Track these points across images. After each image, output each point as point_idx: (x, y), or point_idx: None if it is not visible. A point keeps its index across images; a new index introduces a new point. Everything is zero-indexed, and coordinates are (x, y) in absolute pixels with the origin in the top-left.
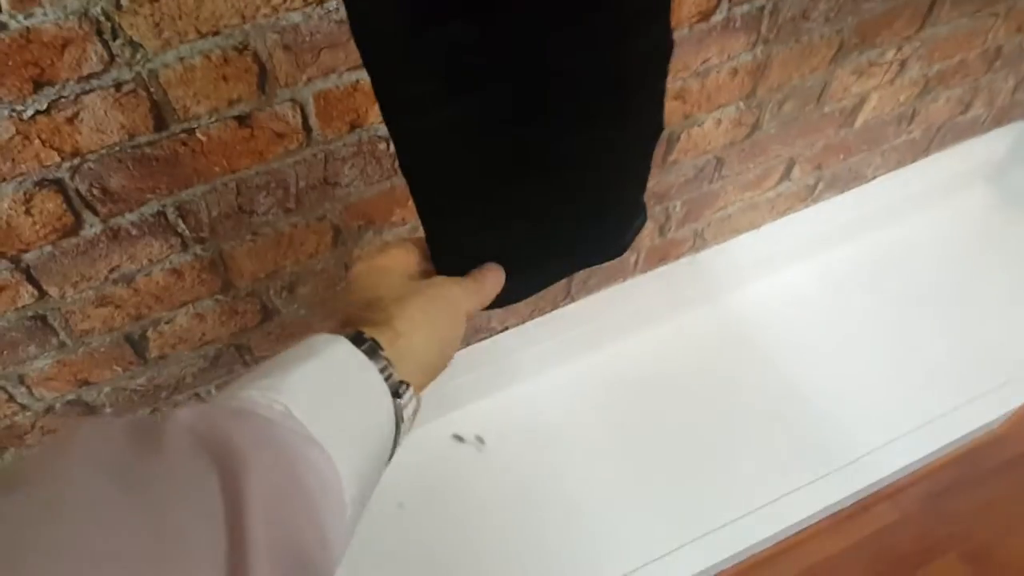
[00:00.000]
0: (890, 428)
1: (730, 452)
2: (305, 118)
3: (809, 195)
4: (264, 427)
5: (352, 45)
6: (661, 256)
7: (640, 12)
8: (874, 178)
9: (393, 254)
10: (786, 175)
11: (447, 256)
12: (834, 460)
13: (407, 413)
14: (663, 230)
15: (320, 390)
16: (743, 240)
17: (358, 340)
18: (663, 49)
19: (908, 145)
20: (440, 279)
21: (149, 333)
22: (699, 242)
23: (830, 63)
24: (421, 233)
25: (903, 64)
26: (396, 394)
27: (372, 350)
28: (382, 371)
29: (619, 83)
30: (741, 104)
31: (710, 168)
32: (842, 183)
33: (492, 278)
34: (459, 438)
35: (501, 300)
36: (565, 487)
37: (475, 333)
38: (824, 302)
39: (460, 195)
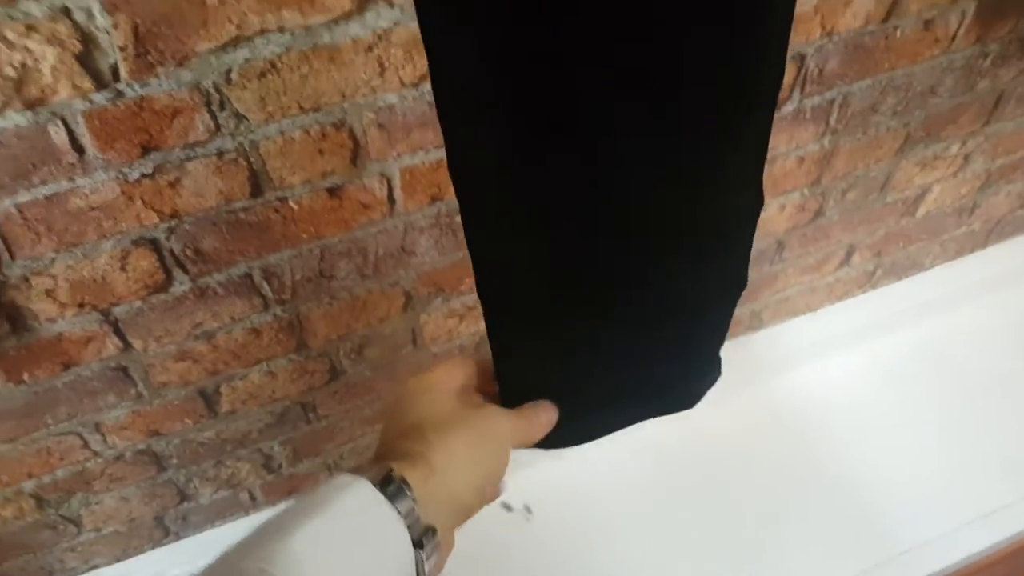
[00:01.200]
0: (939, 521)
1: (777, 536)
2: (391, 191)
3: (867, 281)
4: None
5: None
6: None
7: (733, 172)
8: (932, 267)
9: (447, 367)
10: (846, 261)
11: (513, 385)
12: (882, 551)
13: (428, 566)
14: None
15: (321, 551)
16: (799, 322)
17: (385, 480)
18: (752, 208)
19: (967, 236)
20: (491, 409)
21: (222, 388)
22: (755, 322)
23: (895, 155)
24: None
25: (967, 158)
26: (419, 543)
27: (398, 492)
28: (407, 516)
29: (704, 235)
30: (806, 191)
31: (771, 251)
32: (900, 270)
33: (544, 417)
34: (507, 507)
35: (554, 441)
36: (613, 560)
37: None
38: (877, 389)
39: (532, 327)
